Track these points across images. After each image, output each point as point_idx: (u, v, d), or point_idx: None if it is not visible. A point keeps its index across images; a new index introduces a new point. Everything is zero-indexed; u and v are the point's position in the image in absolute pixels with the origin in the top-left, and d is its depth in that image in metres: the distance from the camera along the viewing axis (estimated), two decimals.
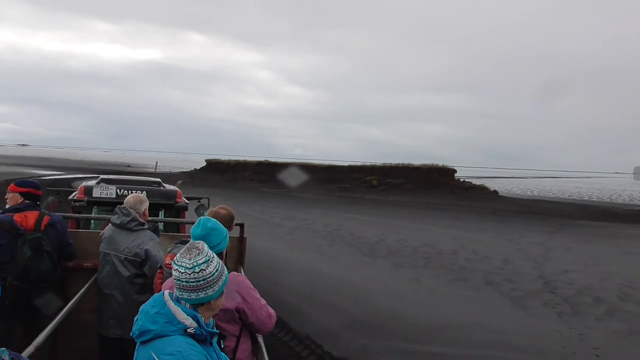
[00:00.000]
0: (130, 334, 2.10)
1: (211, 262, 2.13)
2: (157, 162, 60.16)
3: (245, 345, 2.98)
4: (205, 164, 53.57)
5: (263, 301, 3.04)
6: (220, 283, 2.15)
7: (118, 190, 6.08)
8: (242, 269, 4.87)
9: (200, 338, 2.05)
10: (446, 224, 22.93)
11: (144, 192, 5.62)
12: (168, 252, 3.45)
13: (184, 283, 2.07)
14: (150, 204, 4.66)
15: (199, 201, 8.50)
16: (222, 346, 2.32)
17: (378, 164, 42.74)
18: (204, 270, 2.08)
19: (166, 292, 2.15)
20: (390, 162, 41.90)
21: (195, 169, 55.33)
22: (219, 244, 2.80)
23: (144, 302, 2.18)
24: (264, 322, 3.01)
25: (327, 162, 46.15)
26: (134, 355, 2.10)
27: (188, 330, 2.03)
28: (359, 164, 43.67)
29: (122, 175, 8.80)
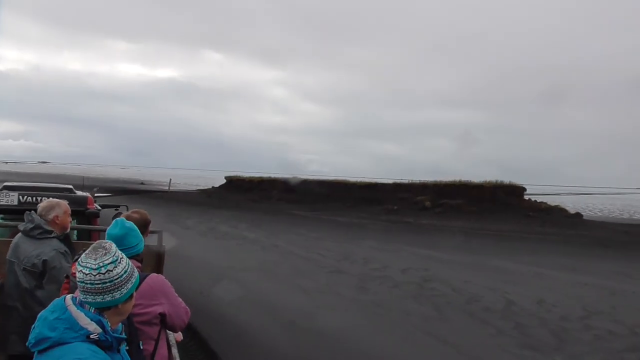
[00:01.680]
0: (27, 344, 1.92)
1: (119, 262, 2.00)
2: (170, 179, 54.88)
3: (162, 350, 2.92)
4: (225, 181, 47.99)
5: (180, 299, 3.02)
6: (129, 285, 2.02)
7: (21, 197, 5.83)
8: None
9: (105, 344, 1.92)
10: (562, 264, 16.72)
11: (52, 199, 4.81)
12: (74, 261, 2.93)
13: (89, 285, 1.94)
14: None
15: (116, 209, 7.80)
16: (141, 347, 2.42)
17: (429, 181, 36.61)
18: (111, 271, 1.96)
19: (68, 296, 2.01)
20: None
21: (213, 186, 49.85)
22: (136, 244, 2.91)
23: None
24: (182, 319, 3.01)
25: (362, 179, 40.14)
26: None
27: (91, 336, 1.89)
28: (404, 181, 37.54)
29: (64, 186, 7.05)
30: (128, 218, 3.19)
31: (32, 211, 4.05)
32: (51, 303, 2.01)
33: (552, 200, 35.51)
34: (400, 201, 34.73)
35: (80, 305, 1.96)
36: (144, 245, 3.14)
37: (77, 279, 1.98)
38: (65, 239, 4.10)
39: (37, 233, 3.93)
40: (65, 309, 1.94)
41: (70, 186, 7.10)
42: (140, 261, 3.04)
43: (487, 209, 32.04)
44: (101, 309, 1.97)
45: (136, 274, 2.11)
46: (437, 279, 13.32)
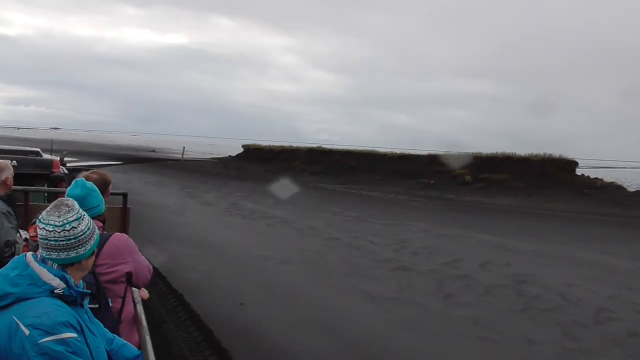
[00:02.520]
0: None
1: (82, 219, 2.03)
2: (184, 147, 52.26)
3: (129, 307, 2.96)
4: (242, 150, 45.19)
5: (143, 257, 3.05)
6: (92, 242, 2.06)
7: None
8: None
9: (70, 299, 1.93)
10: None
11: (14, 161, 5.31)
12: (32, 224, 3.09)
13: (53, 242, 1.95)
14: (23, 174, 5.25)
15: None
16: (110, 304, 2.68)
17: (467, 154, 33.47)
18: (76, 228, 1.98)
19: (28, 253, 2.01)
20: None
21: (230, 155, 47.11)
22: (98, 205, 2.87)
23: None
24: (146, 276, 3.05)
25: (391, 150, 37.09)
26: None
27: (55, 291, 1.89)
28: (439, 152, 34.45)
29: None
30: (87, 178, 3.07)
31: None
32: (10, 261, 2.02)
33: (606, 176, 32.32)
34: (436, 175, 31.75)
35: (42, 261, 1.96)
36: (108, 207, 3.11)
37: (40, 237, 1.97)
38: (8, 199, 4.06)
39: None
40: (27, 265, 1.94)
41: (38, 149, 7.11)
42: (103, 222, 2.99)
43: (535, 185, 29.00)
44: (65, 265, 1.98)
45: (97, 231, 2.14)
46: (530, 279, 10.59)
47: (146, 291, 3.52)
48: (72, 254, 1.98)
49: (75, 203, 2.07)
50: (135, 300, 3.15)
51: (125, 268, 2.85)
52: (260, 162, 39.86)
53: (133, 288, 3.11)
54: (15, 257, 2.06)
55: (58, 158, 7.00)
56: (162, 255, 9.75)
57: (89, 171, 3.36)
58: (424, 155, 34.39)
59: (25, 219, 4.40)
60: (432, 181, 30.98)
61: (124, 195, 5.17)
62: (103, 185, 3.17)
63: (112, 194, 3.54)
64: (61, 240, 1.95)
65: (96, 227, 2.14)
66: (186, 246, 11.98)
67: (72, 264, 2.00)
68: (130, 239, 3.03)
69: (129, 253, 2.92)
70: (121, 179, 28.02)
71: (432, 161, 33.33)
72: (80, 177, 3.02)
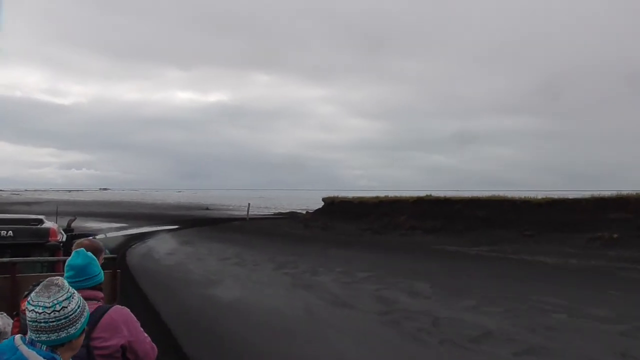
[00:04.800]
0: None
1: (73, 298, 2.05)
2: (249, 204, 45.51)
3: None
4: (322, 204, 37.76)
5: (145, 334, 2.93)
6: (82, 320, 2.08)
7: None
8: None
9: None
10: None
11: (10, 231, 5.87)
12: (23, 297, 3.08)
13: (43, 324, 1.96)
14: (19, 244, 5.63)
15: (94, 238, 5.86)
16: None
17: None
18: (66, 307, 2.01)
19: (17, 336, 2.03)
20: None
21: (307, 211, 39.77)
22: (98, 273, 2.86)
23: None
24: (148, 354, 2.91)
25: (526, 193, 28.70)
26: None
27: None
28: (606, 193, 25.70)
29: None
30: (80, 246, 3.15)
31: None
32: None
33: None
34: (613, 225, 23.13)
35: (31, 344, 1.96)
36: None
37: (29, 319, 1.98)
38: None
39: None
40: (15, 349, 1.94)
41: (41, 217, 7.42)
42: (101, 290, 2.94)
43: None
44: (55, 346, 1.98)
45: (87, 307, 2.13)
46: None
47: None
48: (63, 334, 1.99)
49: (65, 282, 2.08)
50: None
51: (119, 341, 2.73)
52: (351, 219, 32.25)
53: None
54: (4, 341, 2.11)
55: (56, 226, 7.03)
56: None
57: (81, 239, 3.41)
58: (586, 199, 25.80)
59: (12, 292, 4.29)
60: (614, 235, 22.34)
61: (114, 259, 5.18)
62: (95, 253, 3.11)
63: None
64: (51, 322, 1.96)
65: (86, 305, 2.14)
66: None
67: (62, 345, 2.00)
68: (131, 313, 2.90)
69: (126, 327, 2.79)
70: (188, 255, 20.96)
71: (601, 206, 24.71)
72: (76, 246, 3.14)
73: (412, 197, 30.61)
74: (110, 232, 31.63)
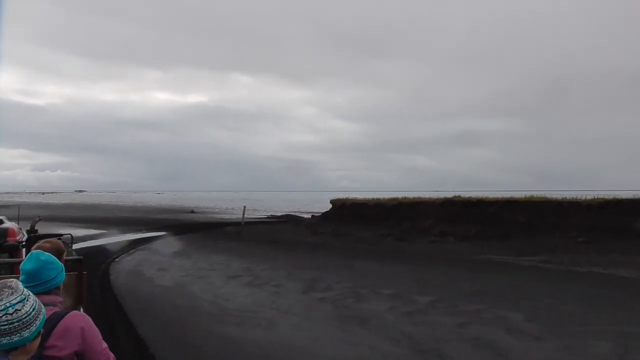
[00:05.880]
0: None
1: (27, 300, 2.00)
2: (245, 207, 41.59)
3: None
4: (330, 207, 34.06)
5: (105, 344, 2.78)
6: (37, 323, 2.02)
7: None
8: (81, 308, 4.19)
9: None
10: None
11: None
12: None
13: None
14: None
15: (59, 239, 6.07)
16: None
17: None
18: (19, 310, 1.95)
19: None
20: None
21: (313, 215, 36.04)
22: (54, 278, 2.70)
23: None
24: None
25: (569, 194, 25.49)
26: None
27: None
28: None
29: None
30: (40, 248, 2.97)
31: None
32: None
33: None
34: None
35: None
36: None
37: None
38: None
39: None
40: None
41: (1, 217, 7.45)
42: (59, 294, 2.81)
43: None
44: (8, 350, 1.95)
45: (43, 310, 2.10)
46: None
47: None
48: (16, 337, 1.95)
49: (20, 284, 2.05)
50: None
51: (72, 347, 2.58)
52: (365, 224, 28.68)
53: None
54: None
55: (16, 226, 6.93)
56: None
57: (42, 241, 3.27)
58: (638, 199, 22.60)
59: None
60: None
61: (80, 261, 4.90)
62: (57, 255, 2.96)
63: (66, 260, 3.31)
64: (3, 325, 1.92)
65: (42, 307, 2.10)
66: None
67: (15, 348, 1.97)
68: (90, 320, 2.73)
69: (83, 335, 2.62)
70: (187, 271, 17.21)
71: None
72: (35, 248, 2.98)
73: (438, 199, 27.10)
74: (89, 240, 27.55)
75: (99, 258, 20.08)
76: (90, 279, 12.04)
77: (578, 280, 15.99)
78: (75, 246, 12.44)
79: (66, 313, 2.66)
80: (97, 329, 2.74)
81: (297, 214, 61.51)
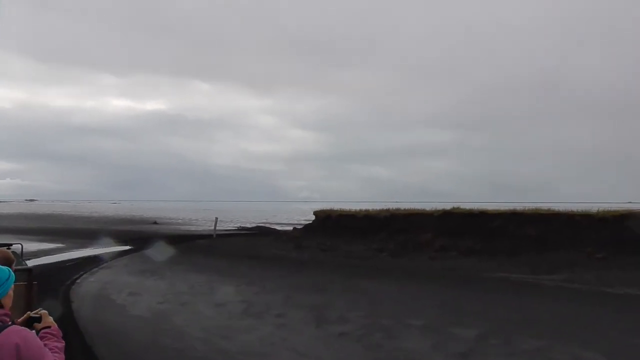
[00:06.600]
0: None
1: None
2: (216, 219, 38.65)
3: None
4: (314, 218, 31.58)
5: (51, 356, 2.46)
6: None
7: None
8: None
9: None
10: None
11: None
12: None
13: None
14: None
15: (8, 248, 6.17)
16: None
17: None
18: None
19: None
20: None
21: (294, 228, 33.48)
22: None
23: None
24: None
25: (576, 205, 23.98)
26: None
27: None
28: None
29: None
30: None
31: None
32: None
33: None
34: None
35: None
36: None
37: None
38: None
39: None
40: None
41: None
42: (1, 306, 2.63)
43: None
44: None
45: None
46: None
47: None
48: None
49: None
50: None
51: None
52: (354, 237, 26.38)
53: None
54: None
55: None
56: None
57: None
58: None
59: None
60: None
61: (29, 271, 4.73)
62: (6, 264, 2.91)
63: (16, 270, 3.10)
64: None
65: None
66: None
67: None
68: (30, 335, 2.47)
69: (18, 354, 2.34)
70: (164, 296, 14.53)
71: None
72: None
73: (436, 210, 25.05)
74: (43, 256, 24.22)
75: (56, 279, 17.08)
76: (48, 308, 9.43)
77: (623, 304, 14.12)
78: (28, 263, 9.68)
79: (4, 327, 2.44)
80: (39, 344, 2.47)
81: (267, 225, 58.80)
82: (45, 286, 13.03)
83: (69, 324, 10.92)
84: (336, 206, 34.38)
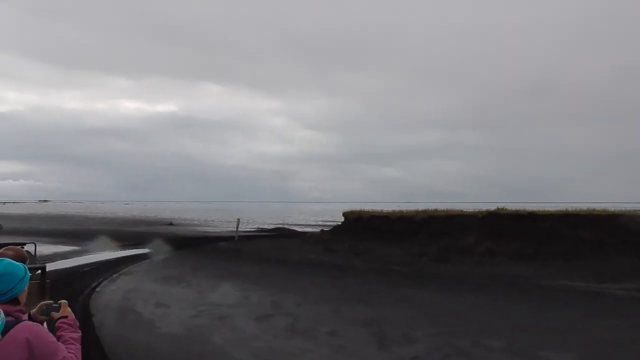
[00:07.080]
0: None
1: None
2: (239, 220, 37.08)
3: None
4: (343, 219, 29.87)
5: (62, 349, 2.46)
6: None
7: None
8: None
9: None
10: None
11: None
12: None
13: None
14: None
15: (22, 246, 6.29)
16: None
17: None
18: None
19: None
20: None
21: (322, 230, 31.78)
22: (11, 289, 2.55)
23: None
24: None
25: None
26: None
27: None
28: None
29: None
30: (1, 256, 2.82)
31: None
32: None
33: None
34: None
35: None
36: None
37: None
38: None
39: None
40: None
41: None
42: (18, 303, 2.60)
43: None
44: None
45: (2, 316, 2.07)
46: None
47: None
48: None
49: None
50: None
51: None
52: (389, 240, 24.66)
53: None
54: None
55: None
56: None
57: (4, 248, 3.16)
58: None
59: None
60: None
61: (42, 269, 4.79)
62: (20, 262, 2.80)
63: (29, 268, 2.90)
64: None
65: (1, 313, 2.07)
66: None
67: None
68: (41, 330, 2.46)
69: (29, 348, 2.34)
70: (197, 308, 12.91)
71: None
72: None
73: (480, 211, 23.23)
74: (59, 259, 22.78)
75: (73, 287, 15.56)
76: None
77: None
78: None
79: (16, 323, 2.43)
80: (51, 339, 2.46)
81: (286, 227, 57.19)
82: (63, 296, 11.62)
83: (91, 344, 9.36)
84: (348, 207, 33.04)
